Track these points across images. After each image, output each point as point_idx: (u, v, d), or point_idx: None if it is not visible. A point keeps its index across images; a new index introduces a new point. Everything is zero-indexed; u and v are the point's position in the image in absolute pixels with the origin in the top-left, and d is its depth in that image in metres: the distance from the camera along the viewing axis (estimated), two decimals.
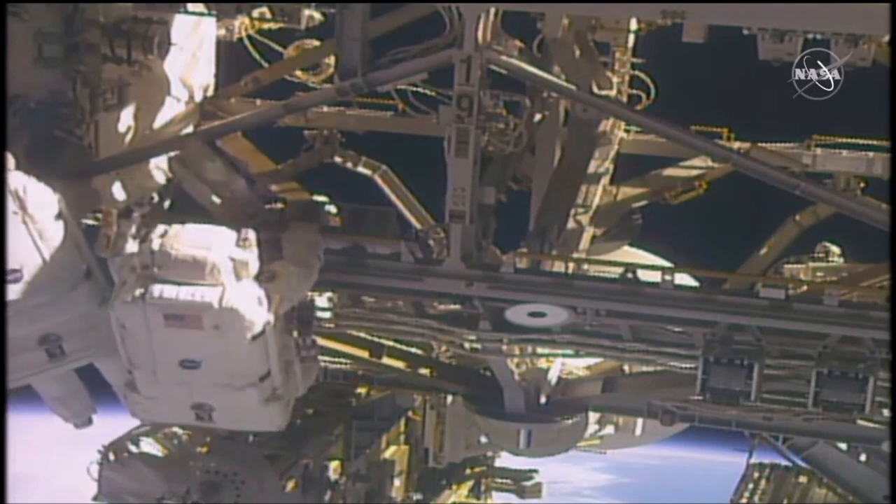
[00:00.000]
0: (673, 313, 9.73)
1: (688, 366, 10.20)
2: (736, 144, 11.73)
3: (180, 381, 8.92)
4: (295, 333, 9.26)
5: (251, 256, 8.80)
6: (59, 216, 8.91)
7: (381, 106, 12.19)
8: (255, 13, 11.27)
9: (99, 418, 10.74)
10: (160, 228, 8.85)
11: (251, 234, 8.87)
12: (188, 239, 8.77)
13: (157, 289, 8.59)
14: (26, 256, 8.76)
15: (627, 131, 12.55)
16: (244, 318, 8.61)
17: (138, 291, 8.61)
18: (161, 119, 11.02)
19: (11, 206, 8.66)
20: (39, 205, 8.76)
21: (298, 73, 12.02)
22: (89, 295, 9.18)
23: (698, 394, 9.76)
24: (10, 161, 8.73)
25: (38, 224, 8.75)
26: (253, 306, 8.66)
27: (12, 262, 8.72)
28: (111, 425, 11.96)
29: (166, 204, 10.92)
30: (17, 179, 8.70)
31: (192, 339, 8.69)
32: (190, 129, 11.30)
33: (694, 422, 11.68)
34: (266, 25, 11.70)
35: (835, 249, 13.12)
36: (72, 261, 9.02)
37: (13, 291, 8.75)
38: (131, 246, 8.83)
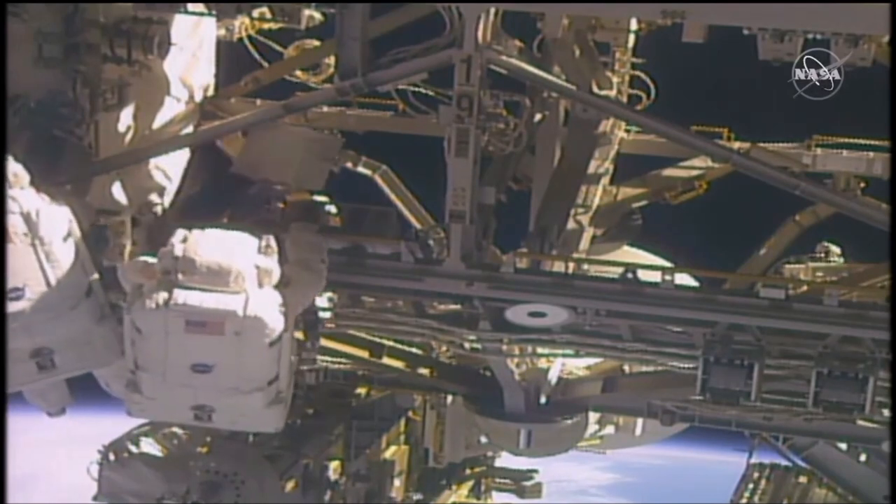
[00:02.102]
0: (673, 313, 9.72)
1: (688, 366, 10.19)
2: (736, 144, 11.73)
3: (188, 384, 8.89)
4: (300, 336, 9.27)
5: (274, 264, 8.82)
6: (69, 236, 8.86)
7: (381, 106, 12.19)
8: (255, 13, 11.27)
9: (99, 418, 10.73)
10: (180, 233, 8.82)
11: (273, 241, 8.89)
12: (211, 245, 8.75)
13: (181, 295, 8.55)
14: (30, 276, 8.69)
15: (627, 131, 12.55)
16: (267, 325, 8.62)
17: (161, 297, 8.56)
18: (161, 119, 11.02)
19: (21, 227, 8.57)
20: (50, 228, 8.69)
21: (298, 73, 12.02)
22: (88, 312, 9.12)
23: (698, 394, 9.76)
24: (26, 178, 8.66)
25: (46, 247, 8.68)
26: (275, 314, 8.67)
27: (15, 281, 8.65)
28: (112, 425, 11.98)
29: None
30: (30, 201, 8.62)
31: (209, 345, 8.66)
32: (190, 129, 11.31)
33: (694, 422, 11.68)
34: (266, 25, 11.70)
35: (835, 249, 13.13)
36: (75, 280, 8.96)
37: (14, 308, 8.70)
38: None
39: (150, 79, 10.65)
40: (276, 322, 8.65)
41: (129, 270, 8.86)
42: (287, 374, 9.04)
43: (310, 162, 10.96)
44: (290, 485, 12.83)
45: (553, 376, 12.20)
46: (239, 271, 8.62)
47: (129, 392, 9.18)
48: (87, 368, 9.63)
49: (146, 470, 11.91)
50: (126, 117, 10.57)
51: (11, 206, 8.56)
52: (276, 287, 8.80)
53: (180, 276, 8.60)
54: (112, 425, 11.92)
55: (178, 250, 8.66)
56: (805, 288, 10.59)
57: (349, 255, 9.98)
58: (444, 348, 12.34)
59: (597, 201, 11.68)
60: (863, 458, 13.11)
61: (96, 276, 9.17)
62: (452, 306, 10.39)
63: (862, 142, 12.16)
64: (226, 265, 8.62)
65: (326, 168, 11.22)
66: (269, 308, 8.64)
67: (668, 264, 11.21)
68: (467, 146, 9.27)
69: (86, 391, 10.48)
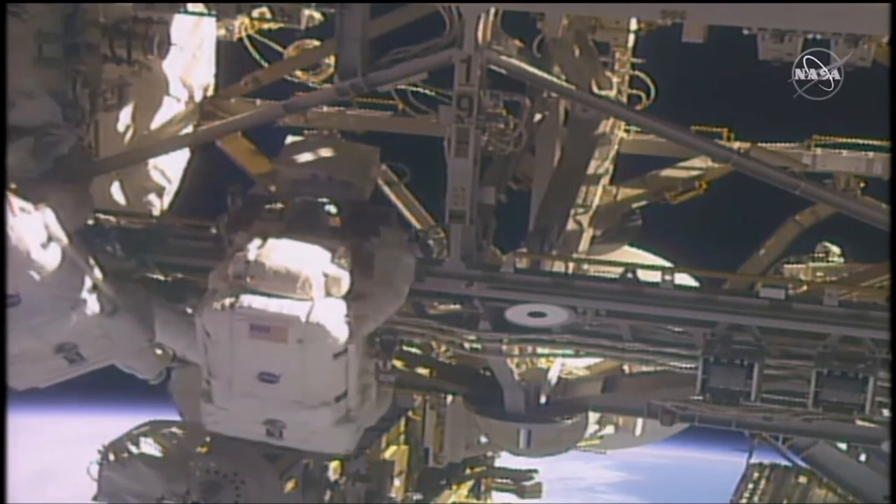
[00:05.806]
0: (673, 313, 9.73)
1: (688, 366, 10.19)
2: (736, 144, 11.73)
3: (255, 394, 8.93)
4: (375, 357, 9.31)
5: (344, 274, 8.86)
6: (49, 241, 8.84)
7: (381, 106, 12.19)
8: (255, 13, 11.27)
9: (99, 418, 10.73)
10: (257, 240, 8.91)
11: (346, 253, 8.97)
12: (284, 252, 8.83)
13: (246, 299, 8.64)
14: (20, 283, 8.74)
15: (627, 131, 12.55)
16: (329, 334, 8.66)
17: (228, 300, 8.65)
18: (161, 119, 11.03)
19: None
20: (21, 239, 8.67)
21: (298, 73, 12.03)
22: (94, 309, 9.16)
23: (698, 394, 9.76)
24: None
25: (23, 255, 8.68)
26: (339, 324, 8.70)
27: (9, 288, 8.70)
28: (112, 425, 11.98)
29: None
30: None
31: (275, 352, 8.72)
32: (190, 129, 11.31)
33: (694, 422, 11.65)
34: (266, 25, 11.70)
35: (835, 249, 13.12)
36: (69, 280, 8.99)
37: (12, 314, 8.73)
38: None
39: (150, 79, 10.66)
40: (339, 331, 8.68)
41: (211, 275, 8.95)
42: (357, 392, 9.06)
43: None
44: (290, 485, 12.82)
45: (553, 376, 12.18)
46: (307, 277, 8.68)
47: (203, 402, 9.28)
48: (116, 358, 9.70)
49: (146, 470, 11.89)
50: (126, 117, 10.59)
51: None
52: (348, 299, 8.82)
53: (249, 281, 8.68)
54: (113, 426, 11.94)
55: (252, 255, 8.74)
56: (805, 288, 10.59)
57: None
58: (444, 348, 12.34)
59: (597, 201, 11.67)
60: (863, 458, 13.10)
61: (98, 273, 9.17)
62: (452, 306, 10.39)
63: (862, 142, 12.16)
64: (294, 270, 8.69)
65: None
66: (332, 317, 8.68)
67: (668, 264, 11.20)
68: (467, 146, 9.27)
69: (85, 391, 10.50)
